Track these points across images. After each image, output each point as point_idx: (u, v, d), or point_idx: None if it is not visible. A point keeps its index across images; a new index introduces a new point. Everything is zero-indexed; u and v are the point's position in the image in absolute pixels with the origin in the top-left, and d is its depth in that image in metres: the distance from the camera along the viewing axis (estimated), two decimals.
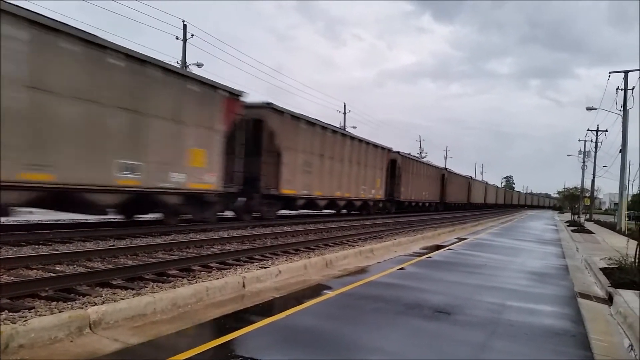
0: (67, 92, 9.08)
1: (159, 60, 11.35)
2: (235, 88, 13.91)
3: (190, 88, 12.24)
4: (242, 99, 14.27)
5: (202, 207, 13.29)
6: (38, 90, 8.55)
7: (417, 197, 33.60)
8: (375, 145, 25.62)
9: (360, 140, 23.74)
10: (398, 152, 29.93)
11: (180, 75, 12.21)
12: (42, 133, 8.68)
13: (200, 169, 12.61)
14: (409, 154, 33.71)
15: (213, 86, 13.07)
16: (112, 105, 9.99)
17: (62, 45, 8.98)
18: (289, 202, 17.76)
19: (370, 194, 25.14)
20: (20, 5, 8.40)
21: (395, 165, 29.01)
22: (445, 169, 44.19)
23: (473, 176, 63.65)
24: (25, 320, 4.06)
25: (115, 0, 43.71)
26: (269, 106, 16.09)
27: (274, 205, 17.03)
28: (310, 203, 19.32)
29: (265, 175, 15.90)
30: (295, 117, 17.67)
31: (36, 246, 8.47)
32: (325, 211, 21.83)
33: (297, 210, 19.03)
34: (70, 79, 9.14)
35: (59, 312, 4.61)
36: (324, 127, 19.85)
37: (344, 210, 23.69)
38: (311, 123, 18.80)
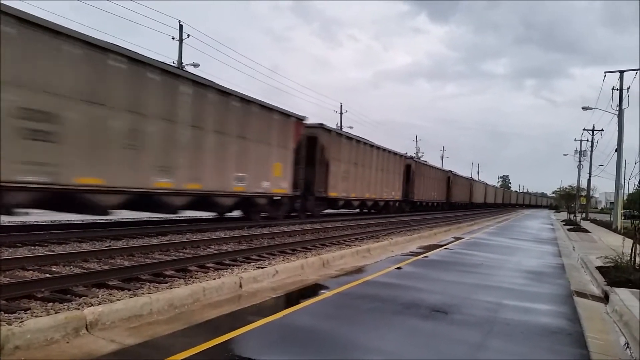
0: (211, 128, 12.76)
1: (258, 100, 14.94)
2: (300, 114, 17.79)
3: (275, 118, 15.95)
4: (305, 122, 18.12)
5: (278, 207, 16.94)
6: (196, 127, 12.20)
7: (427, 197, 36.97)
8: (395, 153, 29.35)
9: (384, 150, 27.12)
10: (412, 158, 34.19)
11: (269, 108, 15.59)
12: (197, 156, 12.29)
13: (279, 178, 16.32)
14: (420, 159, 37.71)
15: (288, 114, 16.80)
16: (232, 135, 13.73)
17: (209, 95, 12.70)
18: (332, 202, 21.41)
19: (391, 195, 28.70)
20: (186, 70, 12.14)
21: (410, 169, 32.28)
22: (451, 172, 46.28)
23: (471, 176, 64.53)
24: (21, 322, 4.04)
25: (111, 0, 43.65)
26: (321, 126, 19.99)
27: (321, 206, 20.54)
28: (347, 203, 23.07)
29: (318, 181, 19.52)
30: (339, 134, 21.79)
31: (32, 247, 8.44)
32: (355, 210, 25.45)
33: (337, 209, 22.77)
34: (212, 118, 12.84)
35: (55, 313, 4.59)
36: (358, 141, 23.70)
37: (364, 210, 27.03)
38: (349, 138, 22.95)
